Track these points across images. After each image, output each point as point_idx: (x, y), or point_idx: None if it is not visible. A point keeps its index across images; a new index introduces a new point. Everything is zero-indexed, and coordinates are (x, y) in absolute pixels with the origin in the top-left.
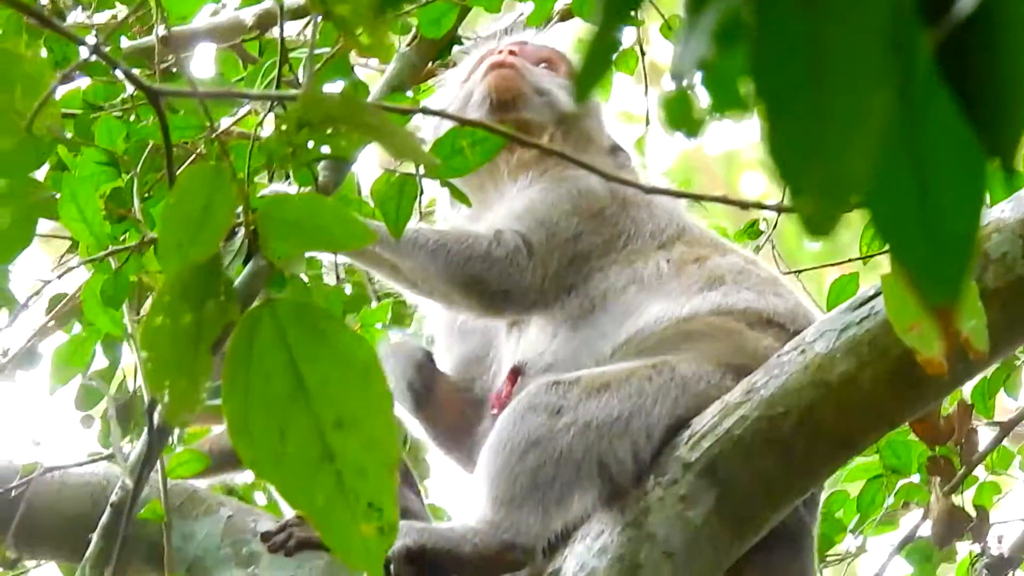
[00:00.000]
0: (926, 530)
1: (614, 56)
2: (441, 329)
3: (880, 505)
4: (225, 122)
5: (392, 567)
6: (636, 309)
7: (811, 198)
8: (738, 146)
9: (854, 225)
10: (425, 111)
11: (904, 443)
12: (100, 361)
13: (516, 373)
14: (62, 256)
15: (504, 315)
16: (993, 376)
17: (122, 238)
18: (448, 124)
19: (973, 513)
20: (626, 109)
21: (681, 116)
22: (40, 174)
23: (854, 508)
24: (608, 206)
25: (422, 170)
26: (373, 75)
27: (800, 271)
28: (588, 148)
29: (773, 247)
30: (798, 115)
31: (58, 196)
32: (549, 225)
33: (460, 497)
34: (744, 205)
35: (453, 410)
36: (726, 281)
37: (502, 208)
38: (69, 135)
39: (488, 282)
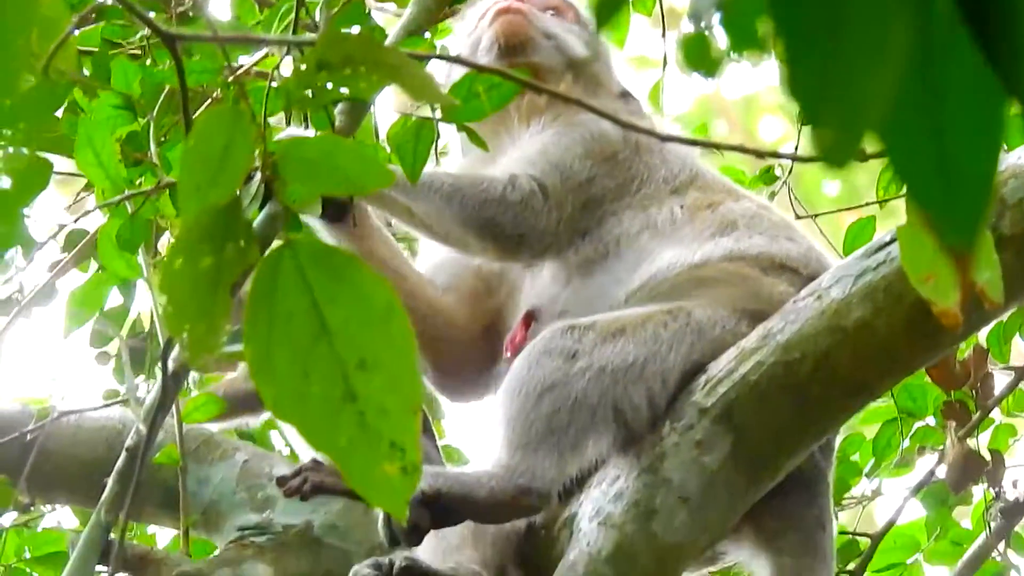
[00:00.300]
0: (942, 473)
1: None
2: (446, 270)
3: (896, 448)
4: (242, 63)
5: (407, 511)
6: (649, 255)
7: (829, 131)
8: (756, 90)
9: (871, 169)
10: (442, 57)
11: (919, 386)
12: (115, 300)
13: (530, 318)
14: (78, 194)
15: (519, 259)
16: (1009, 321)
17: (138, 182)
18: (462, 71)
19: (988, 457)
20: (642, 54)
21: (699, 56)
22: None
23: (869, 451)
24: (621, 150)
25: (439, 114)
26: (390, 20)
27: (817, 215)
28: (598, 93)
29: (790, 191)
30: (817, 47)
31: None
32: (563, 169)
33: (474, 438)
34: (760, 154)
35: (458, 355)
36: (738, 227)
37: (516, 153)
38: (85, 73)
39: (503, 226)
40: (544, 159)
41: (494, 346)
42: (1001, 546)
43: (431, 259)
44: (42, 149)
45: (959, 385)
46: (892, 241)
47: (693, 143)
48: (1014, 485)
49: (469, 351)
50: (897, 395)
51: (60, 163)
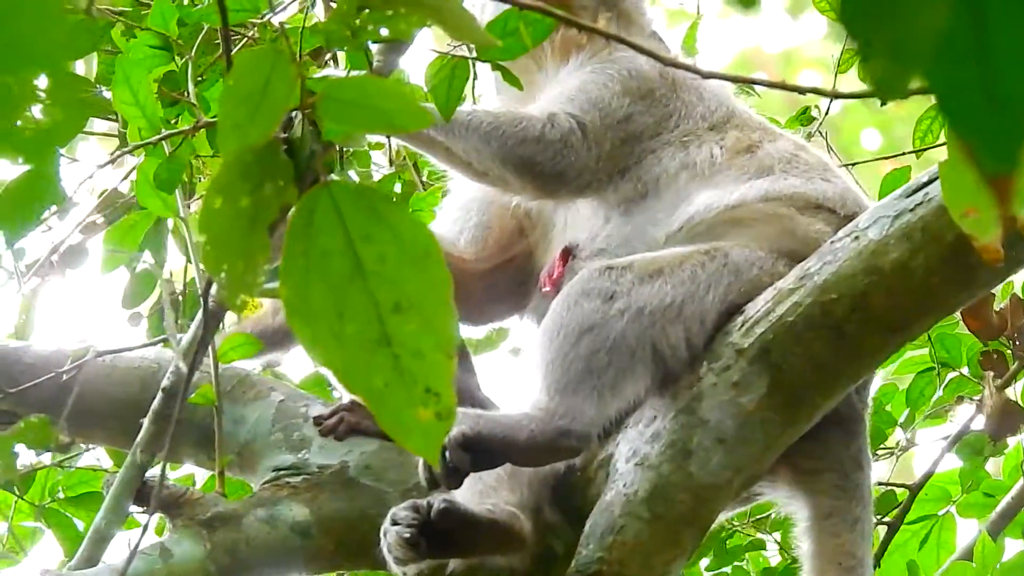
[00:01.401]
0: (977, 425)
1: None
2: (477, 209)
3: (929, 398)
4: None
5: (448, 454)
6: (688, 197)
7: (882, 60)
8: (796, 44)
9: (910, 121)
10: None
11: (954, 336)
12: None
13: (567, 253)
14: (114, 152)
15: (558, 196)
16: None
17: (174, 122)
18: (497, 8)
19: None
20: (682, 6)
21: None
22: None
23: (903, 402)
24: (658, 87)
25: (474, 52)
26: None
27: (855, 163)
28: (630, 30)
29: (825, 138)
30: None
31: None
32: (601, 106)
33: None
34: (800, 91)
35: (484, 295)
36: (775, 170)
37: (554, 90)
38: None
39: (542, 164)
40: (582, 96)
41: (524, 281)
42: None
43: (460, 199)
44: (78, 98)
45: (996, 335)
46: (930, 182)
47: (733, 79)
48: None
49: (497, 288)
50: (932, 345)
51: (100, 124)
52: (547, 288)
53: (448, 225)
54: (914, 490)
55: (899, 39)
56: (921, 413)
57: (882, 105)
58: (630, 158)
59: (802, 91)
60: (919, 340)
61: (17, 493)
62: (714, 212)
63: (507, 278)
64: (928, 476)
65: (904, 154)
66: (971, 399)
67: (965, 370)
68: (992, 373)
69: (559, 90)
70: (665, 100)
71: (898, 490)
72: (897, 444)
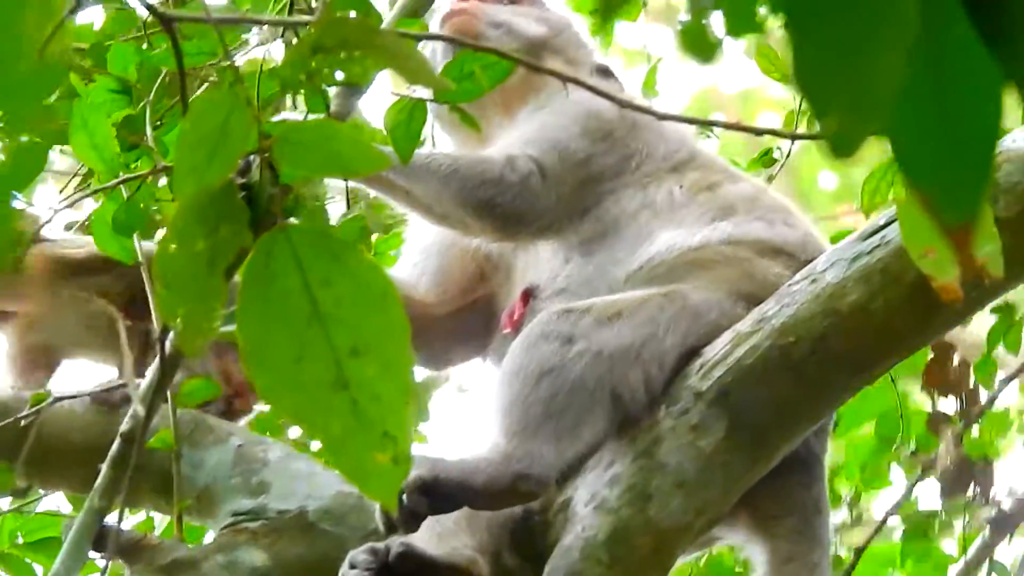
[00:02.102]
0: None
1: None
2: (435, 249)
3: (884, 476)
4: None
5: (405, 497)
6: (649, 236)
7: (837, 117)
8: (755, 85)
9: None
10: (436, 37)
11: (896, 420)
12: None
13: (528, 294)
14: (75, 189)
15: (518, 238)
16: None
17: (134, 166)
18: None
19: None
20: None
21: (697, 41)
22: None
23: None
24: (618, 128)
25: (431, 95)
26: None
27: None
28: (579, 72)
29: (780, 169)
30: (823, 30)
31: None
32: (560, 148)
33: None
34: (758, 132)
35: (446, 337)
36: (738, 210)
37: (513, 133)
38: (81, 64)
39: (502, 206)
40: (541, 138)
41: (487, 324)
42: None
43: (420, 243)
44: (41, 139)
45: (952, 390)
46: (887, 224)
47: (690, 121)
48: (1009, 493)
49: (458, 332)
50: (878, 424)
51: (59, 162)
52: (508, 329)
53: (408, 269)
54: (858, 552)
55: (854, 95)
56: (870, 491)
57: (839, 157)
58: (590, 199)
59: (759, 132)
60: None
61: None
62: (675, 253)
63: (470, 321)
64: (867, 544)
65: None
66: (926, 455)
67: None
68: (948, 430)
69: (518, 132)
70: (625, 141)
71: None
72: (842, 522)
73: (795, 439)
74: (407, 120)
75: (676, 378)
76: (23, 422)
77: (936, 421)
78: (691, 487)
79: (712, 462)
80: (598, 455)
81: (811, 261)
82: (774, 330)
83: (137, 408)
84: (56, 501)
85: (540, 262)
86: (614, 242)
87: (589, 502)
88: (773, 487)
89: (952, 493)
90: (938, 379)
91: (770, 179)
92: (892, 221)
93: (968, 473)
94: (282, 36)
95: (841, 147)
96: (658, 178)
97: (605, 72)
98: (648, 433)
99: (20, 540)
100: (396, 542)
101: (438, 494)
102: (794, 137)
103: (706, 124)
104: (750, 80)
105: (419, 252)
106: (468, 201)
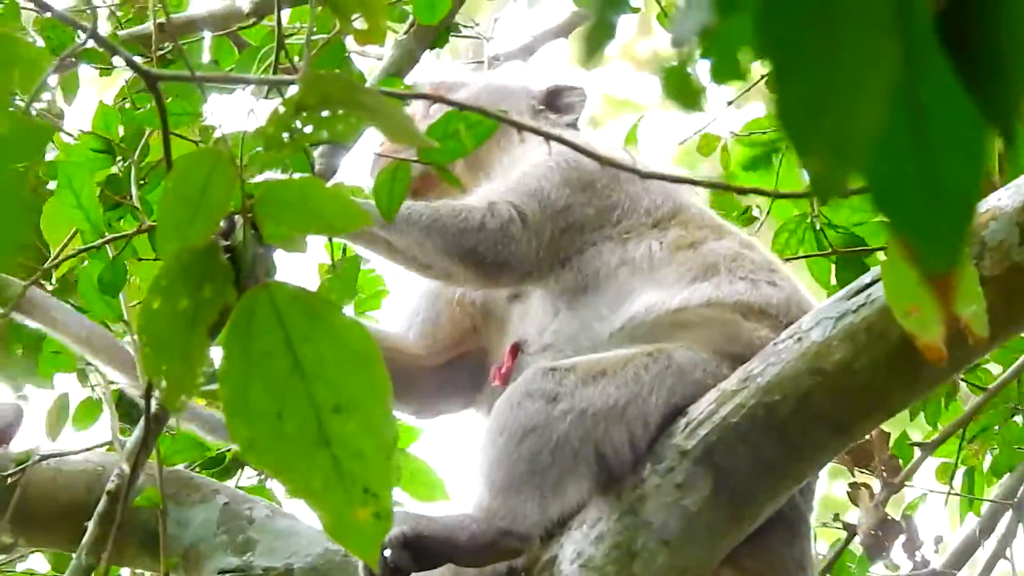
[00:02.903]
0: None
1: (609, 42)
2: (424, 301)
3: None
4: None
5: (388, 553)
6: (629, 293)
7: (819, 157)
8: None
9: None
10: (420, 96)
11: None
12: None
13: (517, 349)
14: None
15: (500, 285)
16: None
17: (118, 225)
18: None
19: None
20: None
21: (680, 88)
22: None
23: None
24: (599, 179)
25: (414, 154)
26: (372, 63)
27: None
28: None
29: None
30: (806, 73)
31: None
32: (540, 196)
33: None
34: (741, 191)
35: (435, 388)
36: (720, 270)
37: (494, 180)
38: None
39: (483, 254)
40: (522, 187)
41: (478, 376)
42: None
43: (411, 296)
44: (24, 199)
45: (868, 462)
46: (872, 283)
47: (673, 180)
48: (936, 544)
49: (449, 383)
50: None
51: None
52: (496, 383)
53: (399, 320)
54: None
55: (836, 136)
56: None
57: (821, 204)
58: (571, 248)
59: (743, 191)
60: None
61: None
62: (655, 314)
63: (461, 373)
64: None
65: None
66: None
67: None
68: (867, 492)
69: (499, 181)
70: (607, 192)
71: None
72: None
73: (780, 498)
74: (390, 179)
75: (661, 436)
76: (8, 480)
77: (855, 490)
78: (676, 545)
79: (697, 520)
80: (584, 512)
81: (792, 315)
82: (759, 388)
83: (122, 466)
84: (31, 564)
85: (528, 316)
86: (596, 298)
87: (575, 560)
88: (757, 545)
89: (877, 553)
90: (856, 451)
91: (751, 231)
92: (878, 279)
93: (892, 531)
94: (266, 95)
95: (823, 189)
96: (639, 233)
97: (571, 126)
98: (633, 491)
99: None
100: None
101: (422, 550)
102: (776, 195)
103: (688, 182)
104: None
105: (410, 303)
106: (451, 250)
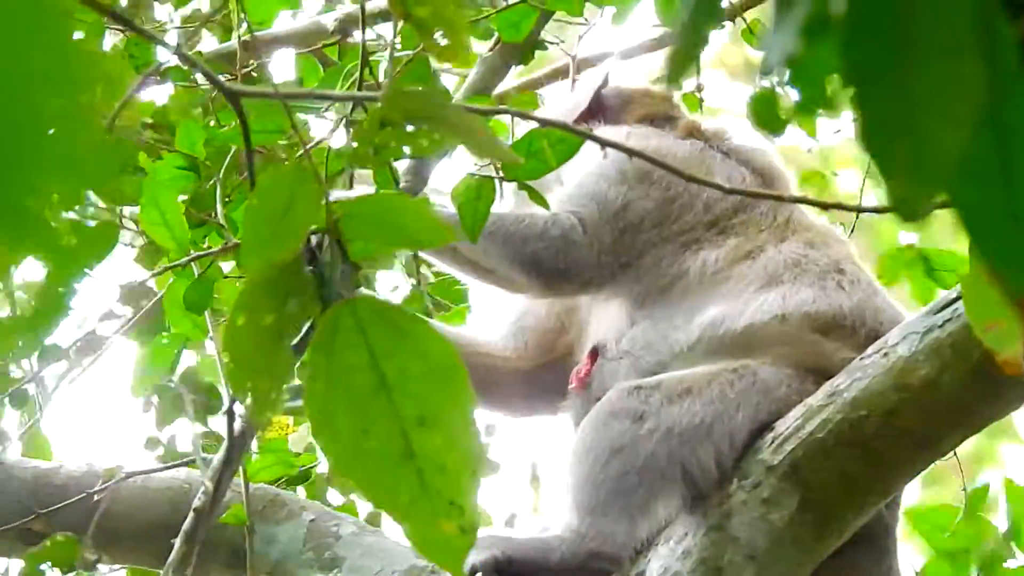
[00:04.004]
0: None
1: (699, 57)
2: (514, 304)
3: None
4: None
5: (466, 570)
6: (697, 305)
7: (903, 180)
8: (834, 142)
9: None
10: (506, 111)
11: None
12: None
13: (596, 353)
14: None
15: (563, 292)
16: None
17: (203, 243)
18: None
19: None
20: (720, 106)
21: (767, 114)
22: None
23: None
24: (657, 169)
25: (495, 171)
26: (455, 80)
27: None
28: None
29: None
30: (888, 96)
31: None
32: (599, 199)
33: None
34: (824, 206)
35: (523, 392)
36: (783, 280)
37: (555, 188)
38: (147, 139)
39: (545, 261)
40: (580, 192)
41: (564, 379)
42: None
43: (499, 302)
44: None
45: None
46: (958, 298)
47: (756, 195)
48: None
49: (538, 386)
50: None
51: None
52: (575, 386)
53: (489, 324)
54: None
55: (919, 158)
56: None
57: (905, 221)
58: (631, 251)
59: (826, 207)
60: None
61: None
62: (724, 328)
63: (550, 377)
64: None
65: None
66: None
67: None
68: None
69: (562, 187)
70: (666, 184)
71: None
72: None
73: (866, 513)
74: (475, 198)
75: (747, 452)
76: (95, 498)
77: None
78: (763, 561)
79: (783, 536)
80: (670, 528)
81: (872, 332)
82: (846, 403)
83: (207, 483)
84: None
85: (608, 321)
86: (667, 308)
87: (662, 575)
88: (845, 560)
89: None
90: None
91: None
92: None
93: None
94: (351, 112)
95: (907, 211)
96: (696, 239)
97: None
98: (720, 506)
99: None
100: None
101: (513, 573)
102: (860, 210)
103: (772, 198)
104: (829, 138)
105: (500, 308)
106: (515, 257)
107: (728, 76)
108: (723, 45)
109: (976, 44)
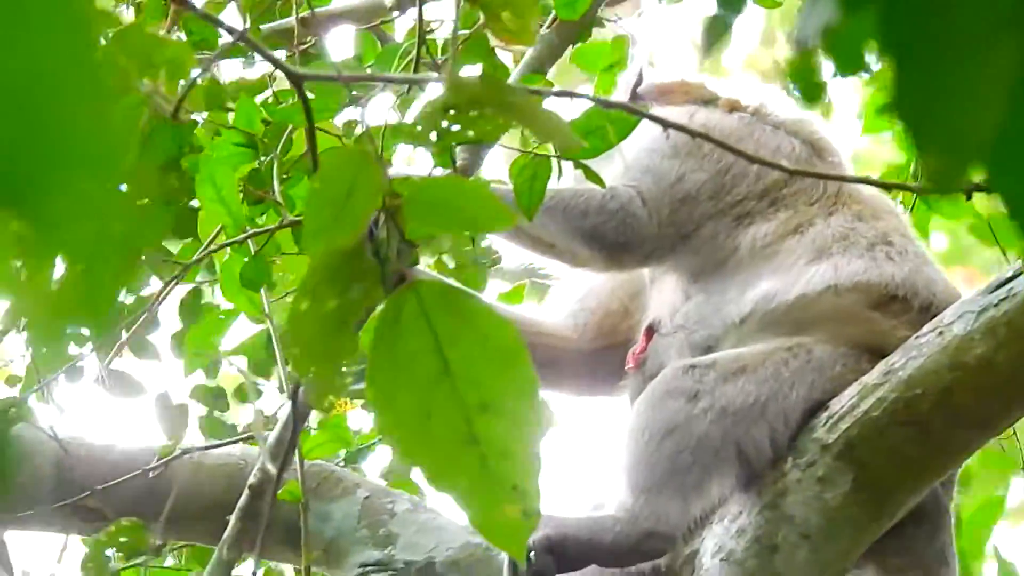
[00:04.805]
0: None
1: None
2: (577, 285)
3: None
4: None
5: (533, 556)
6: (751, 279)
7: (938, 152)
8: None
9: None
10: (563, 93)
11: None
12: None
13: (651, 330)
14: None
15: (624, 266)
16: None
17: (260, 220)
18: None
19: None
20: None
21: (803, 79)
22: None
23: None
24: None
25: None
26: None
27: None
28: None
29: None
30: (925, 67)
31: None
32: (654, 172)
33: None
34: (886, 186)
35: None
36: (833, 252)
37: (612, 162)
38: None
39: (606, 234)
40: (635, 167)
41: (623, 361)
42: None
43: (565, 284)
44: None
45: None
46: (1014, 277)
47: (817, 176)
48: None
49: (602, 367)
50: None
51: None
52: (631, 366)
53: (555, 306)
54: None
55: (954, 131)
56: None
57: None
58: (689, 223)
59: (887, 187)
60: None
61: None
62: (777, 302)
63: (612, 358)
64: None
65: None
66: None
67: None
68: None
69: (619, 160)
70: (717, 156)
71: None
72: None
73: (921, 492)
74: (531, 178)
75: (802, 431)
76: (151, 474)
77: None
78: (817, 540)
79: (838, 515)
80: (724, 507)
81: (925, 306)
82: (901, 382)
83: (267, 465)
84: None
85: (662, 297)
86: (721, 281)
87: (716, 554)
88: (899, 539)
89: None
90: None
91: None
92: (1019, 274)
93: None
94: (407, 92)
95: (941, 183)
96: (748, 211)
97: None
98: (774, 485)
99: None
100: None
101: (566, 553)
102: (918, 191)
103: (832, 178)
104: (856, 142)
105: (565, 290)
106: (575, 231)
107: (761, 79)
108: (754, 48)
109: (1014, 16)
